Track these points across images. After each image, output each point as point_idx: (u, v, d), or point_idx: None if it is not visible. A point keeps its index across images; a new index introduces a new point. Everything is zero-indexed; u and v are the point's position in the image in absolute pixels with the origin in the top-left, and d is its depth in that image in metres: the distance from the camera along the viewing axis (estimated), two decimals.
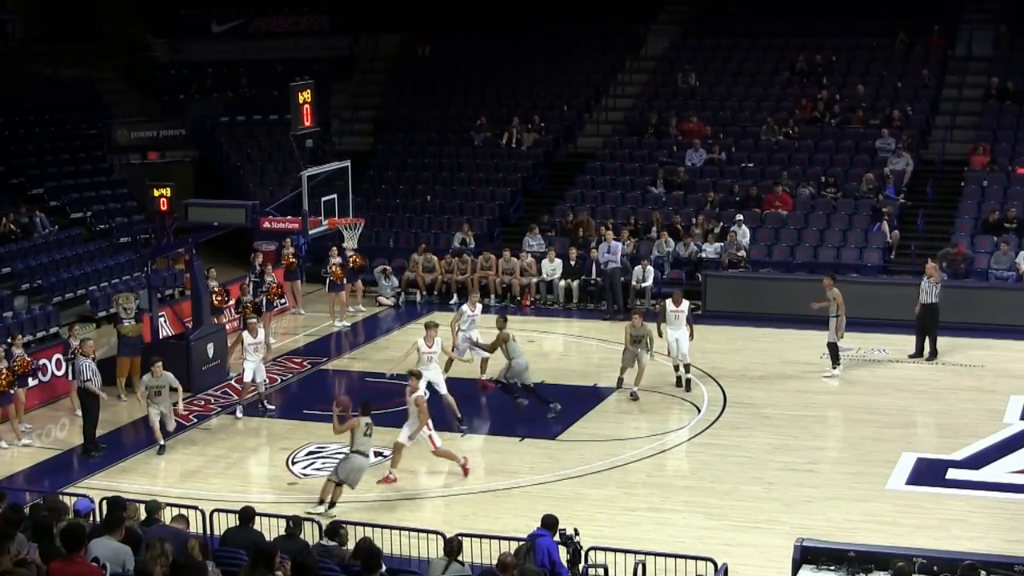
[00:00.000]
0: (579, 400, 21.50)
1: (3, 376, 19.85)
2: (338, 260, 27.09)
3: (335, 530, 13.01)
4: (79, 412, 20.07)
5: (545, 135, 34.17)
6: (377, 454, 19.04)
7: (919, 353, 23.39)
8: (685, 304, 21.91)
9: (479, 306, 22.59)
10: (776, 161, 31.51)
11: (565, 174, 33.09)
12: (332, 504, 16.62)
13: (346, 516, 14.83)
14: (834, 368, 22.47)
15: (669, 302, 22.09)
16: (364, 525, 13.99)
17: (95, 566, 10.33)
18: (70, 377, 20.89)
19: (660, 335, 21.80)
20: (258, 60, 37.06)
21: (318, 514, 16.11)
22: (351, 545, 12.59)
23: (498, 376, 20.70)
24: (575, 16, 37.36)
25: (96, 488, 17.01)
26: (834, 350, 22.46)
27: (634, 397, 21.30)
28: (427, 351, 19.88)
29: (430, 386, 19.60)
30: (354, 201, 23.73)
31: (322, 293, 28.12)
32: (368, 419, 16.84)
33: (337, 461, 17.17)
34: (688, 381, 21.80)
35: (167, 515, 13.39)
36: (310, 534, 13.58)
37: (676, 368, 22.04)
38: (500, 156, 33.91)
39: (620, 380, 21.74)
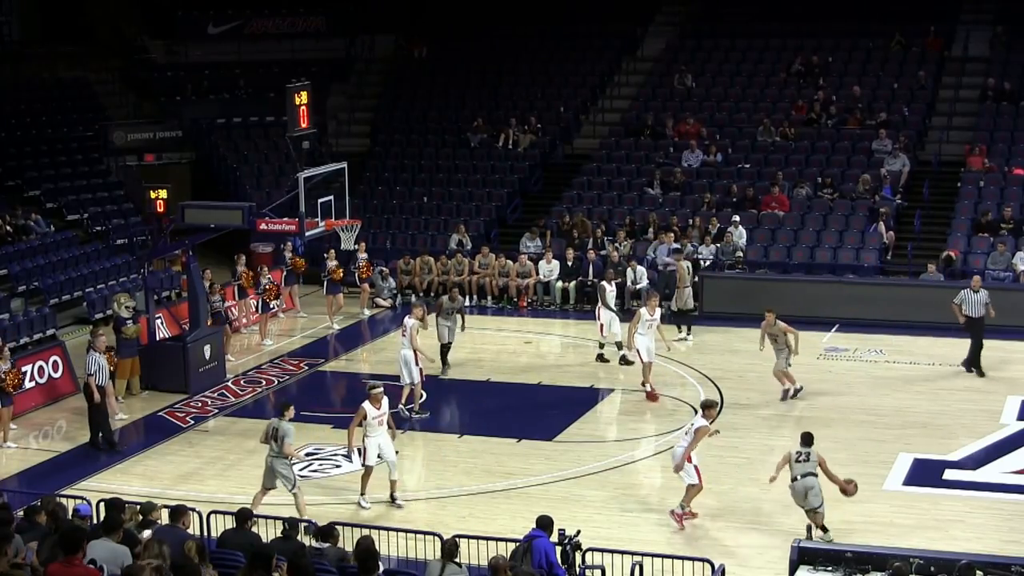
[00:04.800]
0: (576, 402, 21.53)
1: None
2: (335, 262, 27.11)
3: (328, 532, 13.01)
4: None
5: (542, 136, 34.17)
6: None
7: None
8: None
9: (658, 311, 21.83)
10: (773, 162, 31.53)
11: (562, 175, 33.09)
12: (824, 529, 15.48)
13: (344, 517, 14.81)
14: (687, 335, 24.97)
15: (608, 286, 23.69)
16: (361, 526, 13.98)
17: (93, 568, 10.31)
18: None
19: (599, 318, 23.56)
20: (255, 62, 37.07)
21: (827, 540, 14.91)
22: (347, 546, 12.59)
23: None
24: (572, 17, 37.38)
25: (93, 490, 16.99)
26: (679, 317, 25.00)
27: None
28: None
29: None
30: (351, 203, 23.75)
31: (320, 295, 28.10)
32: (799, 448, 15.73)
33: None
34: (623, 357, 23.28)
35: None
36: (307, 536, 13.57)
37: (602, 346, 23.68)
38: (497, 157, 33.91)
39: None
